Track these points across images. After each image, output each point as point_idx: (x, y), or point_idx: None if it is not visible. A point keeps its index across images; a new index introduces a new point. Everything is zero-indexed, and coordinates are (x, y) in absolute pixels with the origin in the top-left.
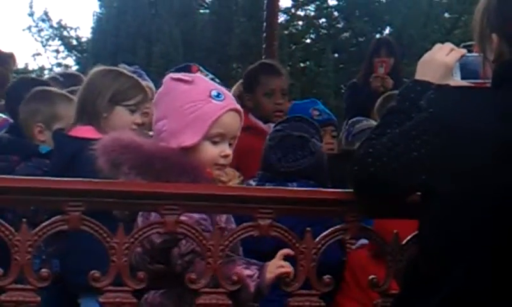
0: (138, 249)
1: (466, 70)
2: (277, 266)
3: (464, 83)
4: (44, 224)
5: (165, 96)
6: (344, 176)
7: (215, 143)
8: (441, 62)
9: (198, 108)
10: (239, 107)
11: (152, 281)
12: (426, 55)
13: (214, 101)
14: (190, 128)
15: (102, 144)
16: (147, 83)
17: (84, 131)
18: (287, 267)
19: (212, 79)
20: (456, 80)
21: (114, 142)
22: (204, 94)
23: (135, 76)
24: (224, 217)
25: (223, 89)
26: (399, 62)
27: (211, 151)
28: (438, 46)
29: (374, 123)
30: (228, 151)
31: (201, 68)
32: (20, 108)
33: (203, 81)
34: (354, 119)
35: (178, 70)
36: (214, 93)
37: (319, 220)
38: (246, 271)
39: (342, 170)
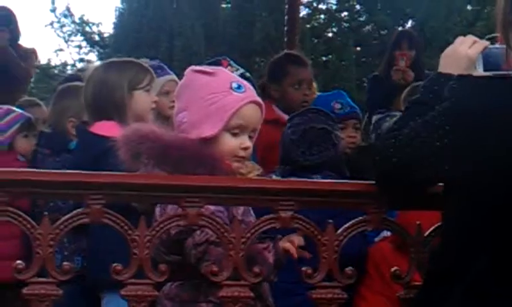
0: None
1: (489, 62)
2: (289, 239)
3: (471, 37)
4: (66, 217)
5: (186, 88)
6: (364, 169)
7: (235, 135)
8: (464, 55)
9: (218, 99)
10: (259, 99)
11: (169, 273)
12: (449, 48)
13: (234, 93)
14: (210, 119)
15: (122, 136)
16: (172, 76)
17: (109, 128)
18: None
19: (241, 74)
20: (479, 72)
21: (134, 132)
22: (225, 86)
23: (136, 60)
24: (241, 209)
25: (244, 82)
26: (420, 55)
27: (231, 143)
28: (460, 39)
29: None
30: (248, 143)
31: (231, 62)
32: (50, 109)
33: (223, 73)
34: (379, 116)
35: (208, 65)
36: (234, 85)
37: (343, 214)
38: (261, 245)
39: (362, 163)
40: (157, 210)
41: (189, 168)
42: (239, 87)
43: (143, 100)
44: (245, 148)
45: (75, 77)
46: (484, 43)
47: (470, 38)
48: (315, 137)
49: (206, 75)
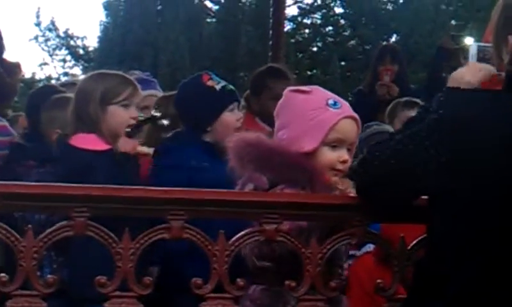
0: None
1: (482, 58)
2: None
3: (479, 65)
4: (50, 230)
5: (285, 107)
6: None
7: (333, 148)
8: (466, 80)
9: (316, 115)
10: (355, 114)
11: (255, 276)
12: (457, 72)
13: (331, 109)
14: (309, 134)
15: (231, 146)
16: (151, 91)
17: (88, 140)
18: None
19: (223, 87)
20: (471, 62)
21: (240, 140)
22: (321, 103)
23: (121, 73)
24: None
25: (340, 99)
26: (403, 69)
27: (330, 156)
28: (471, 64)
29: (386, 126)
30: (346, 156)
31: (213, 76)
32: (41, 117)
33: (319, 91)
34: (366, 124)
35: (190, 79)
36: (330, 101)
37: None
38: None
39: None
40: None
41: (289, 175)
42: (335, 103)
43: (118, 115)
44: (343, 161)
45: (48, 88)
46: (487, 71)
47: (477, 66)
48: None
49: (303, 94)
